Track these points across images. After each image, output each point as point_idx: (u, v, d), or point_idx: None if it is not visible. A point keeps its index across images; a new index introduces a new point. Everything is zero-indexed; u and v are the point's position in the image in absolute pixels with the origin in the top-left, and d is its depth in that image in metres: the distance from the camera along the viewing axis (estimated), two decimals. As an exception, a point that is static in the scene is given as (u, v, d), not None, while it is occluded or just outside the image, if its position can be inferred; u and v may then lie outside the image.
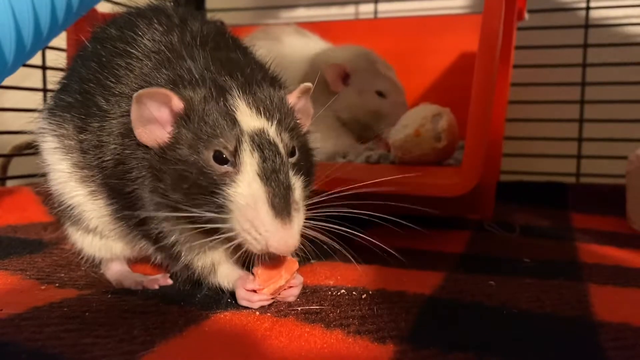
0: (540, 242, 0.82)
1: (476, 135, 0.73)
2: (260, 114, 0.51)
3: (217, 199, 0.48)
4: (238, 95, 0.51)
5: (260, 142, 0.49)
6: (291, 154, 0.52)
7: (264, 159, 0.48)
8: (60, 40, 0.86)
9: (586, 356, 0.42)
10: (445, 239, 0.83)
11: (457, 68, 1.18)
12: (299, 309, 0.51)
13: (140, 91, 0.49)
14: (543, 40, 1.26)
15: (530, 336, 0.45)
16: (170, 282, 0.60)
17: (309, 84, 0.57)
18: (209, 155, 0.48)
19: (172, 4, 0.67)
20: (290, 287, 0.54)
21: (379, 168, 0.90)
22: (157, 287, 0.58)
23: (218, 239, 0.49)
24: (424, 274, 0.64)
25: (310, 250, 0.53)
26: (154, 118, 0.50)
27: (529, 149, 1.27)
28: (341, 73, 1.05)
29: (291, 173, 0.50)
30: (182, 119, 0.50)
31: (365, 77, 1.07)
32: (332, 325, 0.47)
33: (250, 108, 0.51)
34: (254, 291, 0.52)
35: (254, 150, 0.48)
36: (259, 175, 0.48)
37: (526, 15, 1.04)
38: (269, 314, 0.50)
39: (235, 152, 0.48)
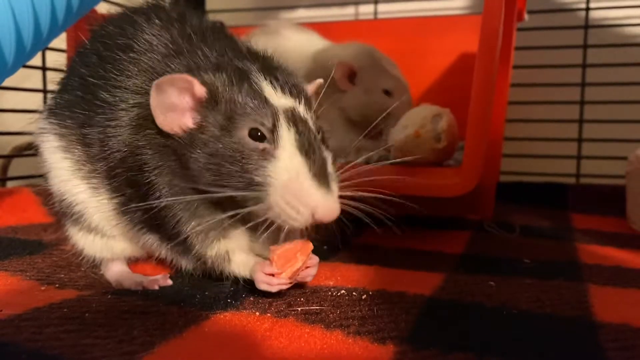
0: (540, 242, 0.82)
1: (476, 136, 0.73)
2: (286, 93, 0.52)
3: (254, 176, 0.49)
4: (261, 78, 0.52)
5: (294, 119, 0.50)
6: (318, 131, 0.53)
7: (300, 134, 0.50)
8: (61, 41, 0.86)
9: (586, 356, 0.42)
10: (446, 239, 0.83)
11: (457, 68, 1.18)
12: (299, 309, 0.51)
13: (161, 79, 0.50)
14: (543, 41, 1.26)
15: (530, 336, 0.45)
16: (170, 282, 0.60)
17: (321, 80, 0.59)
18: (243, 133, 0.50)
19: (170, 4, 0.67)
20: (307, 267, 0.54)
21: (379, 169, 0.89)
22: (157, 287, 0.58)
23: (245, 222, 0.51)
24: (424, 274, 0.64)
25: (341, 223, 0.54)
26: (175, 105, 0.51)
27: (529, 149, 1.27)
28: (349, 72, 1.05)
29: (323, 147, 0.51)
30: (207, 103, 0.51)
31: (371, 75, 1.06)
32: (332, 325, 0.47)
33: (275, 88, 0.52)
34: (272, 275, 0.53)
35: (290, 126, 0.50)
36: (298, 149, 0.49)
37: (526, 16, 1.04)
38: (268, 315, 0.50)
39: (274, 128, 0.49)
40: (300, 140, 0.50)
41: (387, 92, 1.06)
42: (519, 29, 1.13)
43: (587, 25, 1.23)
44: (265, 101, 0.50)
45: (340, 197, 0.51)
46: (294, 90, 0.53)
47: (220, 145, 0.50)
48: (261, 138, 0.49)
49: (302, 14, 1.51)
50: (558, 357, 0.41)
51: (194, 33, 0.58)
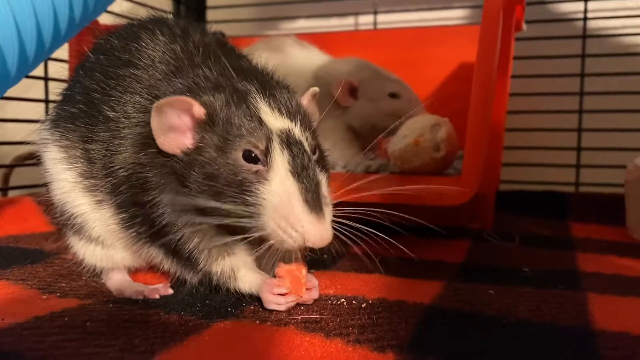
0: (540, 251, 0.82)
1: (475, 145, 0.74)
2: (283, 114, 0.52)
3: (248, 197, 0.49)
4: (259, 98, 0.52)
5: (288, 141, 0.50)
6: (313, 152, 0.53)
7: (293, 157, 0.50)
8: (63, 51, 0.87)
9: (585, 365, 0.42)
10: (445, 248, 0.84)
11: (456, 78, 1.19)
12: (299, 317, 0.51)
13: (161, 100, 0.50)
14: (541, 50, 1.27)
15: (529, 345, 0.45)
16: (171, 291, 0.60)
17: (316, 88, 0.59)
18: (238, 155, 0.50)
19: (172, 16, 0.68)
20: (308, 289, 0.54)
21: (379, 178, 0.90)
22: (157, 296, 0.58)
23: (247, 238, 0.51)
24: (424, 283, 0.64)
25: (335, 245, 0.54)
26: (175, 126, 0.51)
27: (528, 158, 1.27)
28: (349, 88, 1.06)
29: (317, 169, 0.51)
30: (205, 124, 0.51)
31: (373, 84, 1.07)
32: (332, 334, 0.47)
33: (273, 110, 0.52)
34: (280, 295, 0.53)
35: (283, 148, 0.50)
36: (290, 172, 0.49)
37: (524, 26, 1.05)
38: (269, 323, 0.50)
39: (267, 151, 0.50)
40: (293, 163, 0.50)
41: (393, 95, 1.07)
42: (518, 39, 1.13)
43: (585, 35, 1.24)
44: (260, 123, 0.51)
45: (335, 219, 0.51)
46: (291, 111, 0.53)
47: (216, 166, 0.50)
48: (255, 160, 0.50)
49: (303, 24, 1.52)
50: (557, 365, 0.41)
51: (196, 49, 0.59)
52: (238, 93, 0.52)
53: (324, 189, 0.51)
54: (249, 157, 0.50)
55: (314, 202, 0.49)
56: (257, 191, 0.49)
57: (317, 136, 0.57)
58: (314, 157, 0.53)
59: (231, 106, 0.51)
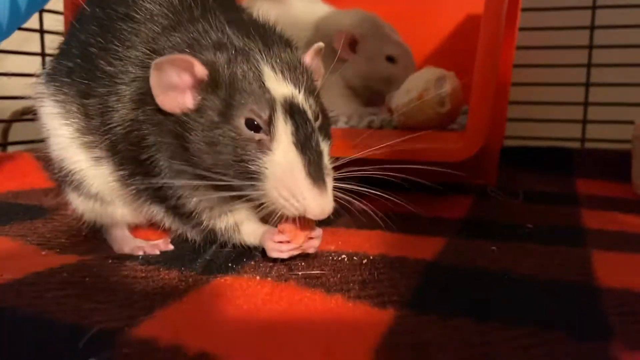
0: (544, 207, 0.81)
1: (480, 100, 0.72)
2: (286, 79, 0.51)
3: (249, 165, 0.49)
4: (261, 59, 0.51)
5: (292, 110, 0.49)
6: (316, 118, 0.52)
7: (296, 127, 0.49)
8: (58, 3, 0.84)
9: (589, 321, 0.41)
10: (448, 204, 0.83)
11: (462, 31, 1.16)
12: (300, 273, 0.51)
13: (161, 58, 0.49)
14: (550, 2, 1.23)
15: (532, 301, 0.45)
16: (171, 247, 0.60)
17: (321, 44, 0.57)
18: (240, 122, 0.49)
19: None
20: (311, 238, 0.54)
21: (382, 133, 0.89)
22: (158, 252, 0.58)
23: (246, 202, 0.51)
24: (426, 239, 0.63)
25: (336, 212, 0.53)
26: (175, 84, 0.50)
27: (534, 113, 1.25)
28: (349, 40, 1.04)
29: (320, 138, 0.50)
30: (207, 85, 0.50)
31: (373, 43, 1.05)
32: (332, 290, 0.47)
33: (276, 72, 0.51)
34: (282, 243, 0.53)
35: (287, 118, 0.49)
36: (294, 144, 0.49)
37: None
38: (269, 279, 0.50)
39: (270, 121, 0.49)
40: (296, 134, 0.49)
41: (390, 59, 1.05)
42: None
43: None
44: (263, 90, 0.49)
45: (336, 187, 0.51)
46: (295, 73, 0.52)
47: (218, 132, 0.49)
48: (257, 128, 0.49)
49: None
50: (560, 322, 0.41)
51: (194, 2, 0.57)
52: (240, 52, 0.51)
53: (326, 158, 0.51)
54: (252, 124, 0.49)
55: (316, 174, 0.48)
56: (260, 160, 0.49)
57: (320, 98, 0.56)
58: (317, 123, 0.52)
59: (234, 68, 0.50)
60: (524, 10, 1.09)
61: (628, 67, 1.18)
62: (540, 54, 1.25)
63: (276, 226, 0.53)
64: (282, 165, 0.48)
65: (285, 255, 0.53)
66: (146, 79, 0.51)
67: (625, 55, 1.18)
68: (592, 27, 1.21)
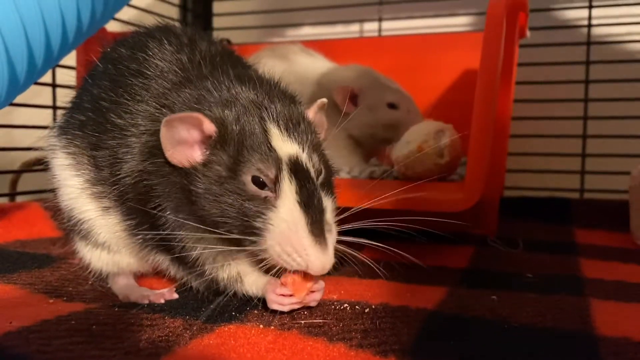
0: (544, 257, 0.82)
1: (478, 151, 0.74)
2: (291, 137, 0.53)
3: (254, 221, 0.50)
4: (267, 116, 0.53)
5: (296, 169, 0.51)
6: (319, 174, 0.54)
7: (300, 186, 0.51)
8: (71, 59, 0.88)
9: (586, 370, 0.42)
10: (449, 254, 0.84)
11: (459, 85, 1.19)
12: (302, 322, 0.52)
13: (172, 115, 0.51)
14: (545, 57, 1.27)
15: (531, 350, 0.46)
16: (176, 296, 0.60)
17: (324, 100, 0.60)
18: (247, 178, 0.51)
19: (179, 23, 0.69)
20: (312, 291, 0.55)
21: (383, 183, 0.90)
22: (163, 301, 0.59)
23: (248, 256, 0.53)
24: (427, 288, 0.64)
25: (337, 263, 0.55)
26: (184, 139, 0.52)
27: (533, 164, 1.27)
28: (349, 94, 1.07)
29: (322, 195, 0.52)
30: (215, 141, 0.52)
31: (373, 93, 1.08)
32: (334, 338, 0.48)
33: (281, 131, 0.53)
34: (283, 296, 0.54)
35: (292, 177, 0.51)
36: (298, 202, 0.50)
37: (528, 33, 1.05)
38: (272, 327, 0.51)
39: (276, 180, 0.51)
40: (300, 192, 0.50)
41: (392, 105, 1.08)
42: (522, 46, 1.14)
43: (589, 42, 1.24)
44: (270, 148, 0.51)
45: (338, 241, 0.53)
46: (300, 131, 0.54)
47: (225, 186, 0.51)
48: (263, 185, 0.51)
49: (308, 31, 1.53)
50: (558, 370, 0.42)
51: (203, 59, 0.60)
52: (247, 109, 0.53)
53: (329, 215, 0.52)
54: (258, 182, 0.51)
55: (318, 232, 0.50)
56: (265, 216, 0.50)
57: (323, 152, 0.58)
58: (320, 179, 0.54)
59: (241, 125, 0.52)
60: (520, 65, 1.12)
61: (623, 120, 1.20)
62: (538, 107, 1.28)
63: (279, 277, 0.54)
64: (287, 222, 0.50)
65: (286, 309, 0.54)
66: (156, 132, 0.53)
67: (620, 108, 1.21)
68: (587, 82, 1.24)
